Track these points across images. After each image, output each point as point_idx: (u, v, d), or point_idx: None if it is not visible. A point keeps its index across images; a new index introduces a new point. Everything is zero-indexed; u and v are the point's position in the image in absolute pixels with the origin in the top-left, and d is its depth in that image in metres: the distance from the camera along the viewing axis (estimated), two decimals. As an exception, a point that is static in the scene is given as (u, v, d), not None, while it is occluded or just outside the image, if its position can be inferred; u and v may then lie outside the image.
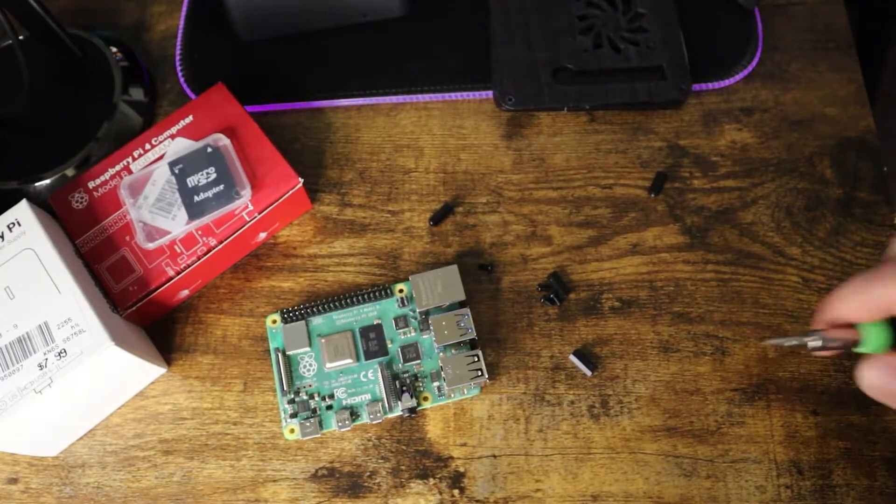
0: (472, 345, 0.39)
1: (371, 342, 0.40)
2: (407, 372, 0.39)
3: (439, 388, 0.39)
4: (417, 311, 0.40)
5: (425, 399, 0.39)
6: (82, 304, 0.37)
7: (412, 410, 0.39)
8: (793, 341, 0.34)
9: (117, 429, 0.41)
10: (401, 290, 0.41)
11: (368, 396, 0.39)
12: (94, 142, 0.46)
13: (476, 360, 0.38)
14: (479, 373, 0.38)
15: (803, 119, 0.45)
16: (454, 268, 0.40)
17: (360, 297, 0.41)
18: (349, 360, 0.40)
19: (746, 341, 0.40)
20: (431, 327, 0.39)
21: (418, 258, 0.43)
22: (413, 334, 0.40)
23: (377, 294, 0.41)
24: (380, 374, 0.39)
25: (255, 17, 0.48)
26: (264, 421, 0.40)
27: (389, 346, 0.40)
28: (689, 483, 0.37)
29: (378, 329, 0.40)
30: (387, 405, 0.39)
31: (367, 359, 0.40)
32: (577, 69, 0.45)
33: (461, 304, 0.40)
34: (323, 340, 0.40)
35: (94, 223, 0.41)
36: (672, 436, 0.38)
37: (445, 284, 0.40)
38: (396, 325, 0.40)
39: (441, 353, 0.39)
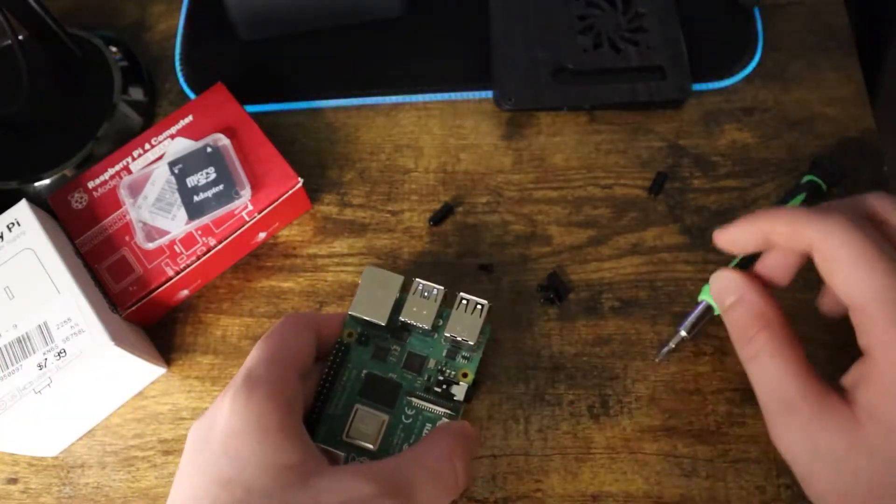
0: (447, 297, 0.36)
1: (378, 394, 0.35)
2: (430, 377, 0.36)
3: (465, 356, 0.36)
4: (382, 331, 0.36)
5: (465, 376, 0.35)
6: (82, 304, 0.37)
7: (469, 394, 0.35)
8: (671, 344, 0.39)
9: (117, 429, 0.41)
10: (349, 335, 0.36)
11: (428, 426, 0.35)
12: (94, 142, 0.46)
13: (465, 301, 0.35)
14: (479, 306, 0.35)
15: (803, 119, 0.45)
16: (368, 269, 0.36)
17: (325, 385, 0.35)
18: (383, 419, 0.35)
19: (746, 341, 0.40)
20: (408, 322, 0.36)
21: (418, 258, 0.43)
22: (399, 350, 0.36)
23: (336, 361, 0.36)
24: (415, 401, 0.35)
25: (255, 17, 0.48)
26: (264, 421, 0.40)
27: (394, 378, 0.36)
28: (689, 483, 0.37)
29: (370, 379, 0.36)
30: (448, 412, 0.35)
31: (392, 406, 0.35)
32: (577, 69, 0.45)
33: (406, 287, 0.36)
34: (346, 435, 0.34)
35: (93, 223, 0.41)
36: (672, 436, 0.38)
37: (378, 286, 0.36)
38: (379, 360, 0.36)
39: (436, 333, 0.36)
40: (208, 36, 0.50)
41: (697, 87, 0.46)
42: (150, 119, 0.49)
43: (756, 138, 0.45)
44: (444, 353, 0.36)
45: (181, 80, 0.49)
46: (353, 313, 0.35)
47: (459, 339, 0.35)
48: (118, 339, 0.37)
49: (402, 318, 0.35)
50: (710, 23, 0.47)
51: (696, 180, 0.44)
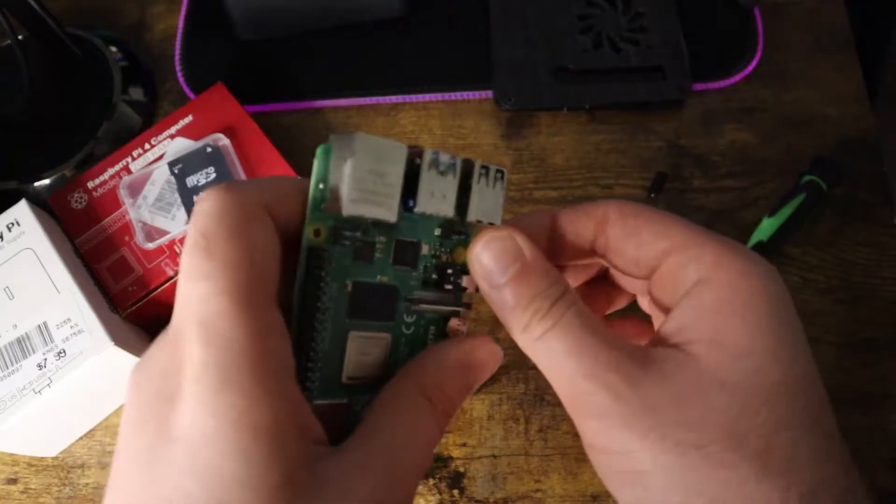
0: (467, 169, 0.25)
1: (372, 308, 0.25)
2: (426, 267, 0.26)
3: (459, 231, 0.26)
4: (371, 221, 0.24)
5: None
6: (81, 304, 0.37)
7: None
8: None
9: (117, 429, 0.41)
10: (317, 233, 0.22)
11: (433, 329, 0.27)
12: (94, 142, 0.46)
13: (484, 171, 0.25)
14: (498, 173, 0.25)
15: (803, 119, 0.45)
16: (360, 136, 0.21)
17: (303, 312, 0.23)
18: (386, 339, 0.25)
19: (746, 341, 0.40)
20: (425, 213, 0.24)
21: (418, 258, 0.43)
22: (385, 240, 0.24)
23: (310, 276, 0.23)
24: (421, 306, 0.26)
25: (255, 17, 0.48)
26: (264, 421, 0.40)
27: (387, 280, 0.25)
28: (689, 483, 0.37)
29: (359, 291, 0.24)
30: (460, 309, 0.27)
31: (391, 318, 0.25)
32: (577, 69, 0.45)
33: (414, 157, 0.23)
34: (346, 377, 0.24)
35: (93, 223, 0.41)
36: (672, 436, 0.38)
37: (376, 161, 0.22)
38: (362, 260, 0.24)
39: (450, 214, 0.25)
40: (208, 36, 0.50)
41: (697, 87, 0.46)
42: (150, 119, 0.48)
43: (756, 138, 0.45)
44: (435, 233, 0.26)
45: (181, 80, 0.49)
46: (350, 213, 0.22)
47: (486, 222, 0.26)
48: (118, 339, 0.37)
49: (417, 210, 0.24)
50: (710, 23, 0.47)
51: (696, 180, 0.44)
